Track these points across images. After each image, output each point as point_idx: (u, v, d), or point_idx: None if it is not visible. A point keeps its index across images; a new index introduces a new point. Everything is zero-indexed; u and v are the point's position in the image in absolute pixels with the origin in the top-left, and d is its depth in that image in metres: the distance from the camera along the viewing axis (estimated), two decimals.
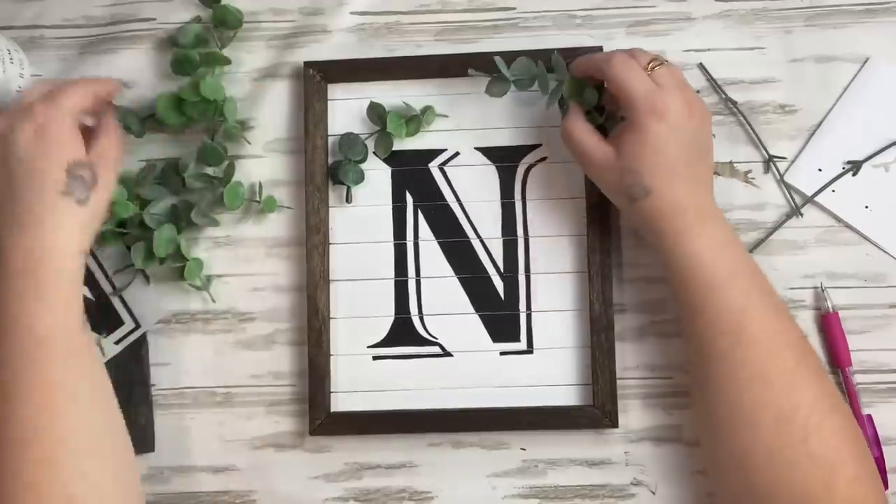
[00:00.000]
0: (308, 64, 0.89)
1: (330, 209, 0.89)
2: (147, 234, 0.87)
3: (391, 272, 0.88)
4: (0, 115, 0.78)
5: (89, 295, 0.90)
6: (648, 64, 0.78)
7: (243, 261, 0.90)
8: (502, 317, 0.87)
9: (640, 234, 0.86)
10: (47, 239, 0.75)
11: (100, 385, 0.77)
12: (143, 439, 0.88)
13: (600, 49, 0.87)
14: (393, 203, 0.89)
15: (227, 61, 0.90)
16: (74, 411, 0.73)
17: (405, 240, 0.88)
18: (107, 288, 0.90)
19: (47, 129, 0.75)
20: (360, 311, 0.88)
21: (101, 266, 0.90)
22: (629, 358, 0.86)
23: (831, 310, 0.85)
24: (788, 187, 0.87)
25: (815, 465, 0.71)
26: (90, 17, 0.94)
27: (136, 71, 0.92)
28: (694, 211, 0.77)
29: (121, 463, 0.76)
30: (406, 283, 0.88)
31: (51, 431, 0.72)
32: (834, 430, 0.73)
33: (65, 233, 0.75)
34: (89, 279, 0.90)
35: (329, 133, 0.89)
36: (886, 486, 0.82)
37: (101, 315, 0.90)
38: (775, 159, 0.87)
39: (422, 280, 0.88)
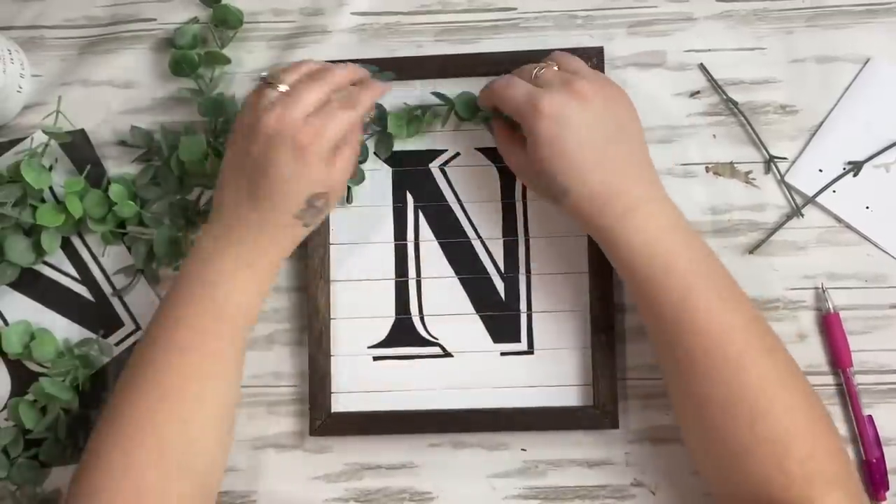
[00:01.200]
0: None
1: None
2: (147, 234, 0.87)
3: (392, 272, 0.88)
4: (264, 98, 0.77)
5: (90, 297, 0.90)
6: (534, 71, 0.79)
7: None
8: (503, 317, 0.87)
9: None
10: (265, 249, 0.78)
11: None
12: None
13: (600, 50, 0.87)
14: (394, 203, 0.89)
15: (227, 60, 0.90)
16: (224, 382, 0.78)
17: (406, 240, 0.88)
18: (107, 289, 0.90)
19: (306, 156, 0.76)
20: (361, 312, 0.88)
21: (100, 266, 0.90)
22: (630, 358, 0.86)
23: (832, 310, 0.85)
24: (789, 188, 0.87)
25: (766, 448, 0.71)
26: (91, 17, 0.94)
27: (136, 71, 0.92)
28: (622, 201, 0.76)
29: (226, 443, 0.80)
30: (406, 283, 0.88)
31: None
32: (784, 410, 0.72)
33: (280, 247, 0.80)
34: (89, 279, 0.90)
35: None
36: (887, 487, 0.82)
37: (101, 316, 0.90)
38: (776, 160, 0.87)
39: (422, 280, 0.88)
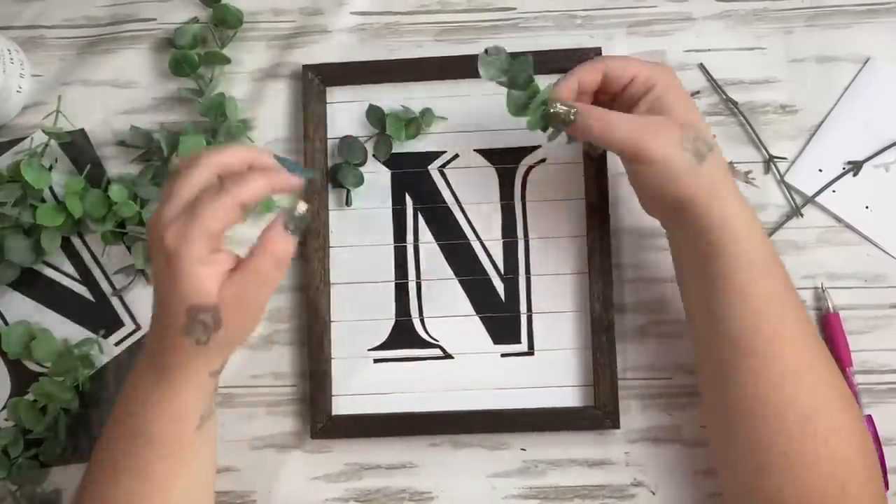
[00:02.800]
0: (307, 67, 0.89)
1: (330, 212, 0.88)
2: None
3: (391, 275, 0.88)
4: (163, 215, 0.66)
5: (90, 297, 0.90)
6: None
7: None
8: (503, 318, 0.87)
9: (665, 226, 0.79)
10: (166, 373, 0.69)
11: (200, 480, 0.75)
12: None
13: (599, 50, 0.87)
14: (393, 205, 0.89)
15: (227, 60, 0.90)
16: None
17: (405, 242, 0.88)
18: (107, 289, 0.90)
19: (173, 262, 0.64)
20: (361, 314, 0.88)
21: (100, 266, 0.90)
22: (630, 359, 0.86)
23: (832, 310, 0.85)
24: (789, 187, 0.87)
25: (835, 465, 0.70)
26: (90, 17, 0.94)
27: (136, 71, 0.92)
28: (716, 184, 0.73)
29: None
30: (406, 285, 0.88)
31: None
32: (852, 430, 0.71)
33: (184, 370, 0.69)
34: (89, 279, 0.90)
35: (329, 136, 0.89)
36: (887, 487, 0.82)
37: (101, 316, 0.90)
38: (776, 159, 0.87)
39: (422, 282, 0.88)
